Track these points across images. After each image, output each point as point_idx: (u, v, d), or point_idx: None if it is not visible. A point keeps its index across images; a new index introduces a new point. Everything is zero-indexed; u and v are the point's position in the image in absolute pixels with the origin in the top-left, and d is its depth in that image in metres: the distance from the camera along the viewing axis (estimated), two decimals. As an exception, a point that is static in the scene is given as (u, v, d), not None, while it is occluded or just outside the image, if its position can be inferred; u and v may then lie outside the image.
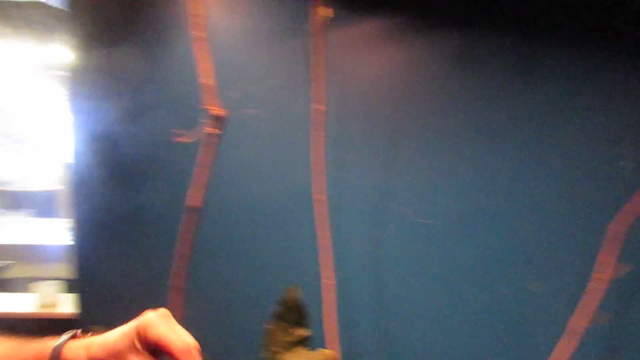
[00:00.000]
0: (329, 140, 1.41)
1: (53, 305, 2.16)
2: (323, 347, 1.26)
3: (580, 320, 1.20)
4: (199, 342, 0.42)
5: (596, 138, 1.28)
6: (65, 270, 2.13)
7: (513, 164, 1.31)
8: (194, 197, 1.13)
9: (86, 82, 1.38)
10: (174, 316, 0.44)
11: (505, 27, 1.33)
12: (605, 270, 1.20)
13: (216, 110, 1.10)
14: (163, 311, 0.45)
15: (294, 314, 1.25)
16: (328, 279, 1.31)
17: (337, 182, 1.41)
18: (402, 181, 1.37)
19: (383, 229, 1.39)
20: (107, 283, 1.44)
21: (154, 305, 0.45)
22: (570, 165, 1.29)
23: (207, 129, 1.11)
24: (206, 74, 1.12)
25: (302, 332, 1.23)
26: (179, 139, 1.20)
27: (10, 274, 2.75)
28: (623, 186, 1.24)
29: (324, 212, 1.34)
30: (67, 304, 2.14)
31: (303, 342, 1.22)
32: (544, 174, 1.30)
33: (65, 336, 0.48)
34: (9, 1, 2.10)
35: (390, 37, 1.40)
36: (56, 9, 1.99)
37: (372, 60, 1.42)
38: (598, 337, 1.26)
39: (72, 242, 1.46)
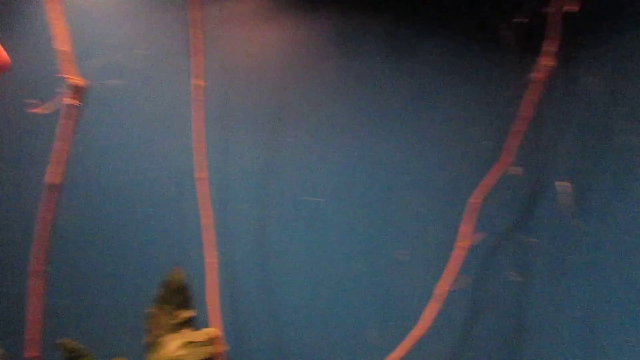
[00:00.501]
0: (211, 116, 1.37)
1: None
2: (209, 326, 1.25)
3: (444, 285, 1.31)
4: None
5: (458, 119, 1.38)
6: None
7: (387, 143, 1.38)
8: (52, 173, 1.02)
9: None
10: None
11: (382, 11, 1.36)
12: (464, 240, 1.31)
13: (74, 79, 1.00)
14: None
15: (178, 296, 1.22)
16: (210, 258, 1.29)
17: (219, 159, 1.38)
18: (286, 159, 1.37)
19: (267, 207, 1.39)
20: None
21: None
22: (437, 144, 1.38)
23: (66, 100, 1.00)
24: (62, 39, 1.00)
25: (186, 313, 1.21)
26: (33, 110, 1.08)
27: None
28: (483, 163, 1.35)
29: (206, 191, 1.31)
30: None
31: (188, 323, 1.20)
32: (414, 153, 1.39)
33: None
34: None
35: (273, 12, 1.37)
36: None
37: (253, 35, 1.39)
38: (460, 299, 1.38)
39: None
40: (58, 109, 1.01)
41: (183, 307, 1.21)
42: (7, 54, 0.50)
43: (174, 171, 1.38)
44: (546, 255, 1.36)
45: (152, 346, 1.16)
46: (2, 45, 0.52)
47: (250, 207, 1.40)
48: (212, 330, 1.23)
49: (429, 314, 1.30)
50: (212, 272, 1.30)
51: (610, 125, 1.23)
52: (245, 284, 1.40)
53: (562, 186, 1.31)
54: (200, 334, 1.21)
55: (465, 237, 1.32)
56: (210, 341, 1.18)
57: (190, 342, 1.16)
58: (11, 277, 1.24)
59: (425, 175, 1.39)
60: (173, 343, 1.15)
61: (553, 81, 1.28)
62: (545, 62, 1.22)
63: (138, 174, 1.39)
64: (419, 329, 1.28)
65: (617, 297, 1.18)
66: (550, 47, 1.21)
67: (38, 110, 1.08)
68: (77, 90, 1.02)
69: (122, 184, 1.40)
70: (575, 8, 1.13)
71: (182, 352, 1.13)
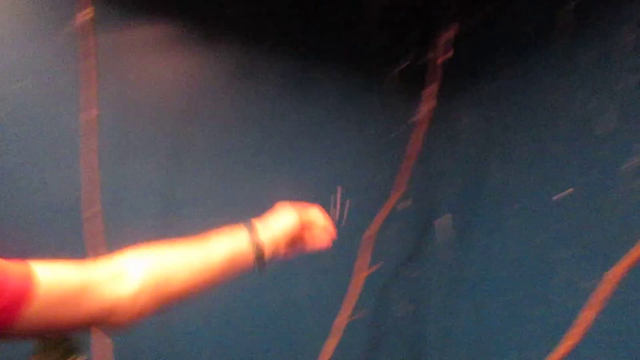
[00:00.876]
0: (105, 148, 1.30)
1: None
2: None
3: (342, 319, 1.32)
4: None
5: (352, 156, 1.43)
6: None
7: (284, 178, 1.38)
8: None
9: None
10: None
11: (281, 49, 1.38)
12: (360, 272, 1.34)
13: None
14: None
15: (63, 344, 1.13)
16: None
17: (114, 193, 1.31)
18: (186, 191, 1.33)
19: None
20: None
21: None
22: (332, 180, 1.40)
23: None
24: None
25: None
26: None
27: None
28: (378, 198, 1.39)
29: (97, 228, 1.23)
30: None
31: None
32: (312, 189, 1.39)
33: (246, 231, 0.57)
34: None
35: (173, 43, 1.35)
36: None
37: (153, 66, 1.35)
38: (357, 332, 1.40)
39: None
40: None
41: (70, 354, 1.12)
42: None
43: (62, 207, 1.29)
44: (435, 285, 1.42)
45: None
46: None
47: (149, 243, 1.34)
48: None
49: (329, 348, 1.30)
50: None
51: (487, 161, 1.31)
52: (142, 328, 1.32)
53: (443, 221, 1.37)
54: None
55: (361, 270, 1.35)
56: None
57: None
58: None
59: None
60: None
61: (436, 121, 1.36)
62: (427, 104, 1.30)
63: (22, 209, 1.29)
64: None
65: (499, 321, 1.24)
66: (431, 90, 1.29)
67: None
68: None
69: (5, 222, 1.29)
70: (449, 55, 1.21)
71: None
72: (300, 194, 1.32)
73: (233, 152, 1.35)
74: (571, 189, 1.04)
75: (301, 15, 1.34)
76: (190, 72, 1.34)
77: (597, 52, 1.02)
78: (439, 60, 1.25)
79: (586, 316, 0.84)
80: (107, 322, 0.48)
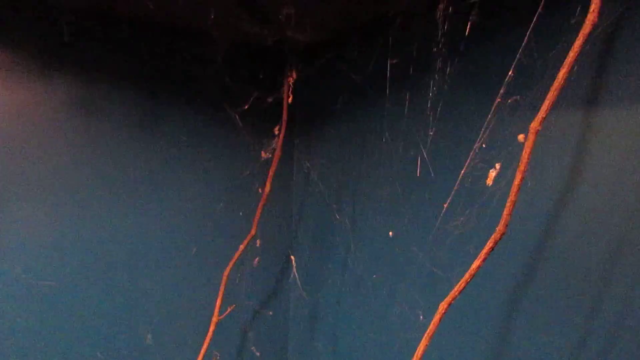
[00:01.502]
0: None
1: None
2: None
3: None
4: None
5: (206, 194, 1.38)
6: None
7: (132, 218, 1.28)
8: None
9: None
10: None
11: (126, 83, 1.29)
12: (218, 314, 1.30)
13: None
14: None
15: None
16: None
17: None
18: (14, 238, 1.17)
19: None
20: None
21: None
22: (187, 218, 1.35)
23: None
24: None
25: None
26: None
27: None
28: (238, 235, 1.38)
29: None
30: None
31: None
32: (163, 228, 1.32)
33: None
34: None
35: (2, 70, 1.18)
36: None
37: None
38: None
39: None
40: None
41: None
42: None
43: None
44: (279, 324, 1.43)
45: None
46: None
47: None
48: None
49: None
50: None
51: (325, 203, 1.36)
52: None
53: (298, 257, 1.39)
54: None
55: (219, 310, 1.32)
56: None
57: None
58: None
59: (175, 252, 1.34)
60: None
61: (287, 160, 1.37)
62: (278, 142, 1.31)
63: None
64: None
65: (352, 351, 1.29)
66: (281, 129, 1.31)
67: None
68: None
69: None
70: (289, 100, 1.24)
71: None
72: (152, 233, 1.30)
73: (66, 194, 1.22)
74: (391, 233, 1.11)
75: (147, 49, 1.26)
76: (22, 106, 1.18)
77: (410, 107, 1.10)
78: (289, 100, 1.27)
79: (421, 346, 0.88)
80: None
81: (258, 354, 1.43)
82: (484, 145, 0.97)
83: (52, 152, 1.20)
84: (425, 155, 1.07)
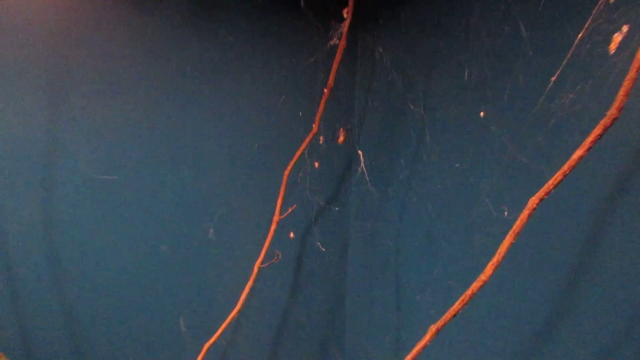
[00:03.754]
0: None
1: None
2: None
3: (260, 262, 1.21)
4: None
5: (266, 87, 1.26)
6: None
7: (193, 114, 1.19)
8: None
9: None
10: None
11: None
12: (279, 213, 1.23)
13: None
14: None
15: None
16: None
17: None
18: (74, 129, 1.11)
19: (53, 190, 1.12)
20: None
21: None
22: (251, 112, 1.25)
23: None
24: None
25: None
26: None
27: None
28: (300, 130, 1.28)
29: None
30: None
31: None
32: (229, 121, 1.23)
33: None
34: None
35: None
36: None
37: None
38: (275, 275, 1.31)
39: None
40: None
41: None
42: None
43: None
44: (345, 220, 1.34)
45: None
46: None
47: (34, 192, 1.12)
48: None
49: (246, 290, 1.21)
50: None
51: (397, 92, 1.21)
52: (31, 284, 1.13)
53: (356, 154, 1.28)
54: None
55: (280, 210, 1.25)
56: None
57: None
58: None
59: (237, 148, 1.25)
60: None
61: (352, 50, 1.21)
62: (344, 27, 1.15)
63: None
64: (235, 310, 1.18)
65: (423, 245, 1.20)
66: (349, 12, 1.14)
67: None
68: None
69: None
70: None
71: None
72: (204, 133, 1.22)
73: (132, 86, 1.12)
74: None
75: None
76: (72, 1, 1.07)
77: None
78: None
79: (505, 243, 0.77)
80: None
81: (324, 249, 1.37)
82: (611, 0, 0.77)
83: (107, 46, 1.10)
84: (528, 21, 0.89)
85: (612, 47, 0.78)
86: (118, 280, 1.16)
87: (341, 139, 1.35)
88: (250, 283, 1.19)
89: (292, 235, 1.34)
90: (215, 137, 1.22)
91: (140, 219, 1.17)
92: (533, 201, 0.75)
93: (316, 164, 1.35)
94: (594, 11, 0.79)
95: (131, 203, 1.16)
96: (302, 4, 1.22)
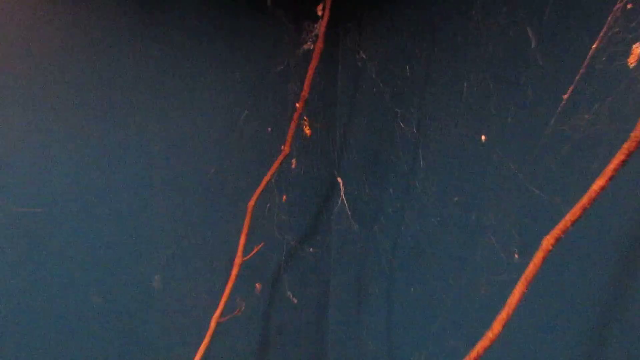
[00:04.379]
0: None
1: None
2: None
3: (220, 314, 1.22)
4: None
5: (218, 105, 1.28)
6: None
7: (142, 131, 1.21)
8: None
9: None
10: None
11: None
12: (243, 255, 1.24)
13: None
14: None
15: None
16: None
17: None
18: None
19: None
20: None
21: None
22: (207, 130, 1.28)
23: None
24: None
25: None
26: None
27: None
28: (268, 153, 1.31)
29: None
30: None
31: None
32: (179, 142, 1.26)
33: None
34: None
35: None
36: None
37: None
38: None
39: None
40: None
41: None
42: None
43: None
44: (322, 264, 1.35)
45: None
46: None
47: None
48: None
49: (201, 350, 1.21)
50: None
51: (384, 107, 1.26)
52: None
53: (334, 183, 1.31)
54: None
55: (243, 249, 1.25)
56: None
57: None
58: None
59: (189, 175, 1.27)
60: None
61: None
62: (320, 27, 1.18)
63: None
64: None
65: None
66: (324, 9, 1.18)
67: None
68: None
69: None
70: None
71: None
72: (148, 158, 1.20)
73: (51, 101, 1.13)
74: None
75: None
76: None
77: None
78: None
79: (515, 293, 0.79)
80: None
81: (295, 300, 1.39)
82: (628, 6, 0.82)
83: (33, 50, 1.11)
84: (536, 25, 0.93)
85: (632, 60, 0.82)
86: (37, 339, 1.15)
87: (308, 130, 1.37)
88: (205, 342, 1.20)
89: (258, 286, 1.35)
90: (162, 159, 1.24)
91: (67, 261, 1.17)
92: (548, 241, 0.77)
93: (284, 197, 1.36)
94: (608, 18, 0.83)
95: (56, 242, 1.16)
96: (269, 2, 1.26)
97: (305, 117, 1.37)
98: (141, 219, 1.23)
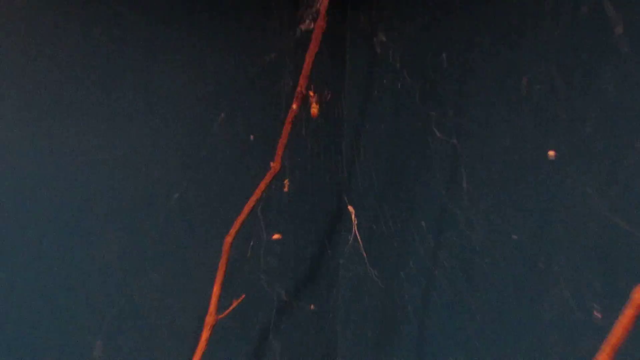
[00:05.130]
0: None
1: None
2: None
3: None
4: None
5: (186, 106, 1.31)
6: None
7: (78, 141, 1.22)
8: None
9: None
10: None
11: None
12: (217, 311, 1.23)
13: None
14: None
15: None
16: None
17: None
18: None
19: None
20: None
21: None
22: (169, 139, 1.29)
23: None
24: None
25: None
26: None
27: None
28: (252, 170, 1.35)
29: None
30: None
31: None
32: (131, 157, 1.26)
33: None
34: None
35: None
36: None
37: None
38: None
39: None
40: None
41: None
42: None
43: None
44: (325, 327, 1.39)
45: None
46: None
47: None
48: None
49: None
50: None
51: (412, 108, 1.28)
52: None
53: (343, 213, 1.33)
54: None
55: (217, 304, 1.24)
56: None
57: None
58: None
59: (143, 202, 1.27)
60: None
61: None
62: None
63: None
64: None
65: None
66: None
67: None
68: None
69: None
70: None
71: None
72: (87, 177, 1.24)
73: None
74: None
75: None
76: None
77: None
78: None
79: None
80: None
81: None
82: None
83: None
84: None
85: None
86: None
87: (314, 110, 1.37)
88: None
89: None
90: (105, 181, 1.24)
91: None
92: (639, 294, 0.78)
93: (274, 235, 1.37)
94: None
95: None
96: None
97: (302, 121, 1.38)
98: (76, 263, 1.22)
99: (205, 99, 1.31)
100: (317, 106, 1.36)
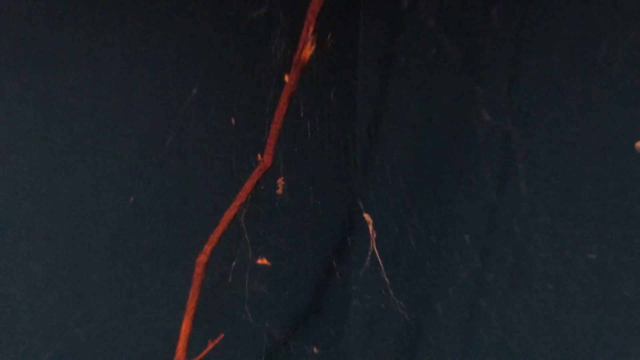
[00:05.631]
0: None
1: None
2: None
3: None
4: None
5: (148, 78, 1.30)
6: None
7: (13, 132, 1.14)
8: None
9: None
10: None
11: None
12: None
13: None
14: None
15: None
16: None
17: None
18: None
19: None
20: None
21: None
22: (126, 125, 1.25)
23: None
24: None
25: None
26: None
27: None
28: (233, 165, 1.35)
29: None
30: None
31: None
32: (79, 146, 1.21)
33: None
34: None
35: None
36: None
37: None
38: None
39: None
40: None
41: None
42: None
43: None
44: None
45: None
46: None
47: None
48: None
49: None
50: None
51: (452, 85, 1.26)
52: None
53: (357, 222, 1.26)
54: None
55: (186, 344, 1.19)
56: None
57: None
58: None
59: (96, 208, 1.23)
60: None
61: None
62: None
63: None
64: None
65: None
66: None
67: None
68: None
69: None
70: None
71: None
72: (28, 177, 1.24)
73: None
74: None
75: None
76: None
77: None
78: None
79: None
80: None
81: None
82: None
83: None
84: None
85: None
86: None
87: (307, 52, 1.31)
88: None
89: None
90: (32, 179, 1.20)
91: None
92: None
93: (263, 259, 1.31)
94: None
95: None
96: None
97: (301, 99, 1.36)
98: (10, 289, 1.17)
99: (172, 70, 1.28)
100: (313, 48, 1.30)
